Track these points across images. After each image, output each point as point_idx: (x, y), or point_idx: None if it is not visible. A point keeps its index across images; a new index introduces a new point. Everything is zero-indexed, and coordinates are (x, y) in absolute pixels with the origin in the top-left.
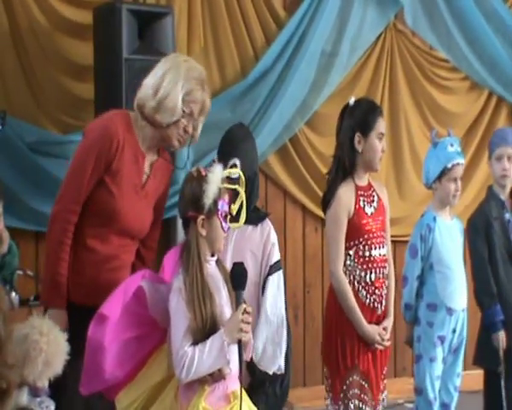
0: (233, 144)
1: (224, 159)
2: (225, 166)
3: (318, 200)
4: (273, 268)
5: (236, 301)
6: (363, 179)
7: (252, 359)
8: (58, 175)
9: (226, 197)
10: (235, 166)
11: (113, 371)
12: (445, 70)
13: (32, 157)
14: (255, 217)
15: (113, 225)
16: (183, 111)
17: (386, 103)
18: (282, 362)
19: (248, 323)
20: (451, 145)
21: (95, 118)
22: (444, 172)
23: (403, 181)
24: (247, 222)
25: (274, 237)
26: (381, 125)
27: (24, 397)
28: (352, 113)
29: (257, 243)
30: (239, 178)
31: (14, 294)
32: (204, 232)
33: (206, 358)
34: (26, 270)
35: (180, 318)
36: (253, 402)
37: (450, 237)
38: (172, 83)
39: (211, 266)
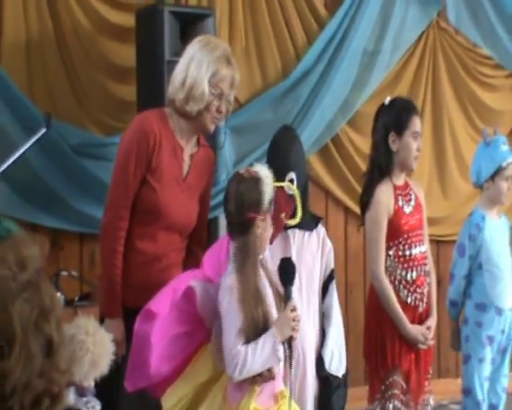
0: (286, 155)
1: (277, 171)
2: (280, 179)
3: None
4: (332, 273)
5: (285, 297)
6: (399, 179)
7: (320, 365)
8: (101, 177)
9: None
10: (292, 181)
11: (158, 368)
12: (489, 67)
13: (76, 159)
14: (310, 222)
15: (158, 221)
16: (212, 94)
17: (429, 102)
18: (345, 364)
19: (298, 320)
20: (504, 144)
21: (137, 116)
22: (498, 171)
23: (446, 181)
24: (303, 228)
25: (329, 242)
26: (416, 123)
27: (70, 397)
28: (386, 112)
29: (315, 248)
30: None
31: (59, 294)
32: (259, 232)
33: (259, 356)
34: (70, 271)
35: (232, 317)
36: (330, 408)
37: (498, 235)
38: (197, 70)
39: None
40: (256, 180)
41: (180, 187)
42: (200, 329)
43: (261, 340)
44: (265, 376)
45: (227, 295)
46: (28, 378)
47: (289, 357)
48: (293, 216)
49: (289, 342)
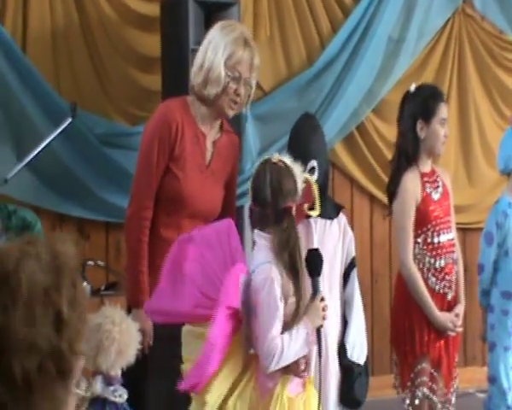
0: (307, 143)
1: (299, 159)
2: (302, 167)
3: (386, 188)
4: (354, 261)
5: (313, 288)
6: (426, 165)
7: (342, 353)
8: (126, 166)
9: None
10: (313, 169)
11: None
12: None
13: (102, 149)
14: (332, 210)
15: (182, 209)
16: (229, 76)
17: (455, 89)
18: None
19: (326, 310)
20: None
21: (160, 105)
22: None
23: (472, 168)
24: (325, 216)
25: (350, 230)
26: (443, 110)
27: (98, 385)
28: (413, 99)
29: (337, 237)
30: (317, 178)
31: (85, 283)
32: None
33: (293, 347)
34: (96, 260)
35: (271, 307)
36: (354, 396)
37: None
38: (214, 52)
39: None
40: (290, 168)
41: (203, 174)
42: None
43: (294, 331)
44: (293, 367)
45: (266, 286)
46: (33, 340)
47: (318, 345)
48: (313, 207)
49: (318, 331)
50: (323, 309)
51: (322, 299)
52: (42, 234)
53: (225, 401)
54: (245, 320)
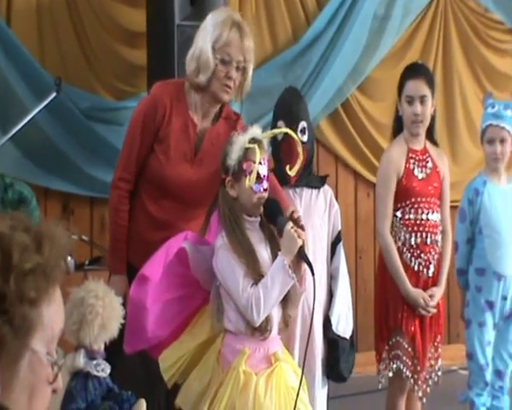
0: (295, 107)
1: (288, 120)
2: (293, 129)
3: (370, 165)
4: (340, 234)
5: (278, 227)
6: (416, 143)
7: (327, 326)
8: (111, 141)
9: (258, 158)
10: (304, 129)
11: (155, 331)
12: (501, 32)
13: (87, 123)
14: (316, 181)
15: (166, 192)
16: (217, 59)
17: (440, 67)
18: (352, 326)
19: (299, 225)
20: (492, 107)
21: (147, 84)
22: (481, 135)
23: (457, 146)
24: (311, 186)
25: (336, 203)
26: (410, 87)
27: (80, 359)
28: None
29: (323, 209)
30: (307, 141)
31: (69, 258)
32: (234, 193)
33: (271, 287)
34: (80, 235)
35: (233, 267)
36: (339, 370)
37: (502, 201)
38: (203, 39)
39: (251, 228)
40: (229, 142)
41: (189, 163)
42: (198, 291)
43: (270, 271)
44: (293, 296)
45: (222, 251)
46: None
47: (309, 265)
48: (300, 181)
49: (302, 253)
50: (294, 229)
51: (292, 219)
52: (37, 209)
53: (188, 370)
54: (213, 290)
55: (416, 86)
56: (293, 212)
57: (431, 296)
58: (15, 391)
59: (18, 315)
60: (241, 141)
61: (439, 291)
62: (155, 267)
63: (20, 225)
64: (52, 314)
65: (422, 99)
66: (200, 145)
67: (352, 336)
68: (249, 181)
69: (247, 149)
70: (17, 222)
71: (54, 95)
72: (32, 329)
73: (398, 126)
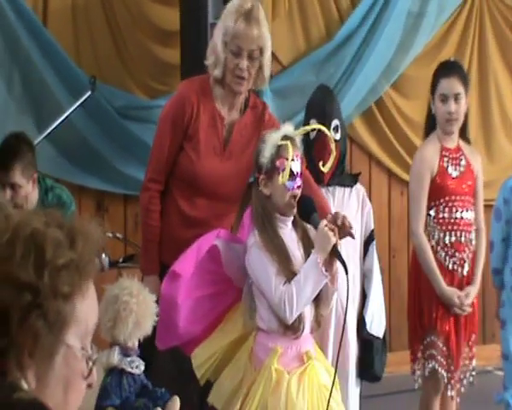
0: (327, 105)
1: (320, 118)
2: (326, 127)
3: (404, 163)
4: (372, 234)
5: (313, 225)
6: (449, 142)
7: (361, 326)
8: (145, 139)
9: (291, 155)
10: (337, 127)
11: (187, 328)
12: None
13: (121, 122)
14: (350, 179)
15: (198, 189)
16: (226, 51)
17: (475, 65)
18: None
19: (338, 223)
20: None
21: (181, 83)
22: None
23: (492, 144)
24: (343, 184)
25: (368, 202)
26: (444, 85)
27: (115, 356)
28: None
29: (355, 208)
30: (340, 139)
31: (103, 255)
32: (267, 192)
33: (304, 284)
34: (115, 232)
35: (266, 265)
36: (373, 370)
37: None
38: (217, 32)
39: (284, 227)
40: (262, 140)
41: (219, 157)
42: (230, 289)
43: (303, 269)
44: (324, 293)
45: (255, 249)
46: (9, 273)
47: (343, 263)
48: (333, 179)
49: (336, 251)
50: (329, 227)
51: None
52: (76, 215)
53: (220, 368)
54: (246, 288)
55: (450, 84)
56: (336, 213)
57: (466, 295)
58: (50, 385)
59: (52, 310)
60: (273, 139)
61: (473, 290)
62: (187, 264)
63: (54, 221)
64: (86, 309)
65: (456, 97)
66: (229, 138)
67: (384, 336)
68: (282, 178)
69: (279, 147)
70: (51, 218)
71: (88, 93)
72: (66, 323)
73: (430, 124)
